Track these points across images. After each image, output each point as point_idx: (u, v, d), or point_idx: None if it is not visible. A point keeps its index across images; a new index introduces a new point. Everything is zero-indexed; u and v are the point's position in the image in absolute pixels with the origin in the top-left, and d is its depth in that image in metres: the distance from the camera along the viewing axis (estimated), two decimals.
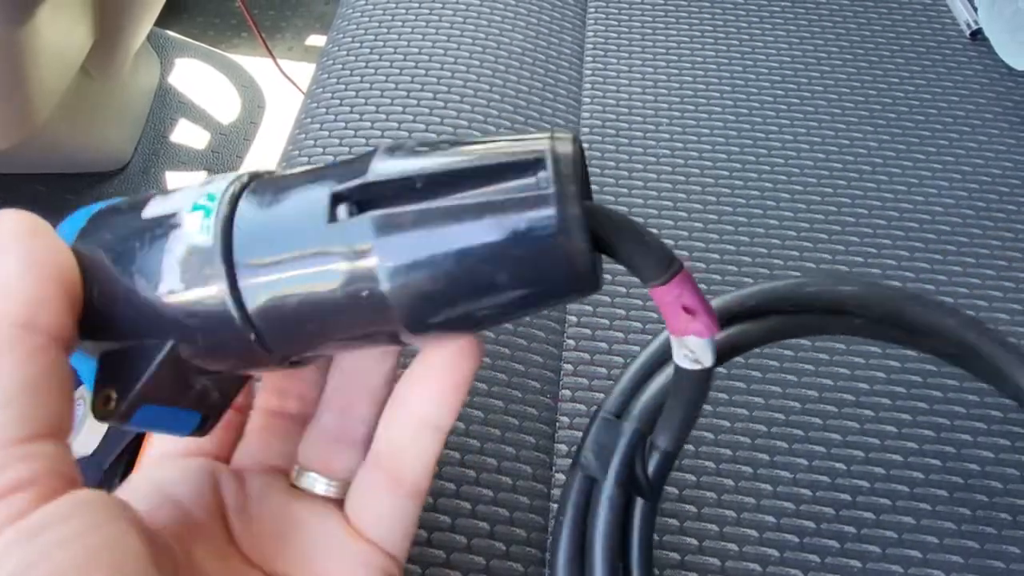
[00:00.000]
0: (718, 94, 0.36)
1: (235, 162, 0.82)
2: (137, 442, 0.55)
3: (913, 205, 0.32)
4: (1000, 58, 0.37)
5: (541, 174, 0.13)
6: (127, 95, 0.77)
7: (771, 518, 0.24)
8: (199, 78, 0.88)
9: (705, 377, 0.17)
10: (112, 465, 0.56)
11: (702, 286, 0.28)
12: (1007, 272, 0.30)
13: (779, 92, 0.36)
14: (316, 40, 1.09)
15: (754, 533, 0.24)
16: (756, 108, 0.35)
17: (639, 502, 0.21)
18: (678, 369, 0.17)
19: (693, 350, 0.16)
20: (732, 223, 0.31)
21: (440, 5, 0.39)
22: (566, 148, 0.13)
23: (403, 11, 0.39)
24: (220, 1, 1.11)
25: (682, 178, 0.32)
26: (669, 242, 0.30)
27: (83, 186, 0.73)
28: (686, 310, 0.15)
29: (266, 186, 0.14)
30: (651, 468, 0.21)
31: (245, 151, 0.83)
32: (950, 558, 0.24)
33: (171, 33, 0.89)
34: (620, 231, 0.14)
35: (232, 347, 0.14)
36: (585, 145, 0.34)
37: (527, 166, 0.13)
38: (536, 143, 0.13)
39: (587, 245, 0.13)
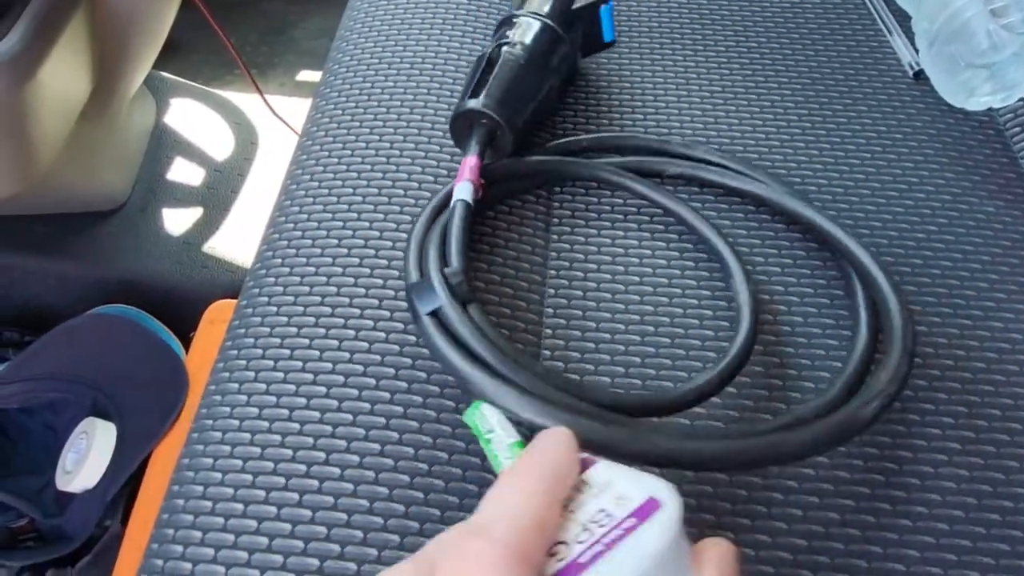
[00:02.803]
0: (690, 129, 0.38)
1: (230, 197, 0.84)
2: (138, 475, 0.57)
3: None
4: (941, 97, 0.40)
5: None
6: (124, 137, 0.80)
7: None
8: (193, 117, 0.90)
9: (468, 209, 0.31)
10: (115, 497, 0.58)
11: (667, 328, 0.31)
12: (947, 299, 0.33)
13: (736, 134, 0.38)
14: (307, 75, 1.12)
15: None
16: (714, 149, 0.38)
17: (471, 308, 0.28)
18: (456, 203, 0.31)
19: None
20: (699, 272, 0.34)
21: (426, 38, 0.42)
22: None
23: (390, 54, 0.41)
24: (213, 40, 1.14)
25: (647, 219, 0.35)
26: (636, 296, 0.33)
27: (82, 226, 0.75)
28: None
29: None
30: (453, 280, 0.28)
31: (240, 186, 0.86)
32: None
33: (165, 74, 0.92)
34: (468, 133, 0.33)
35: None
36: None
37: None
38: None
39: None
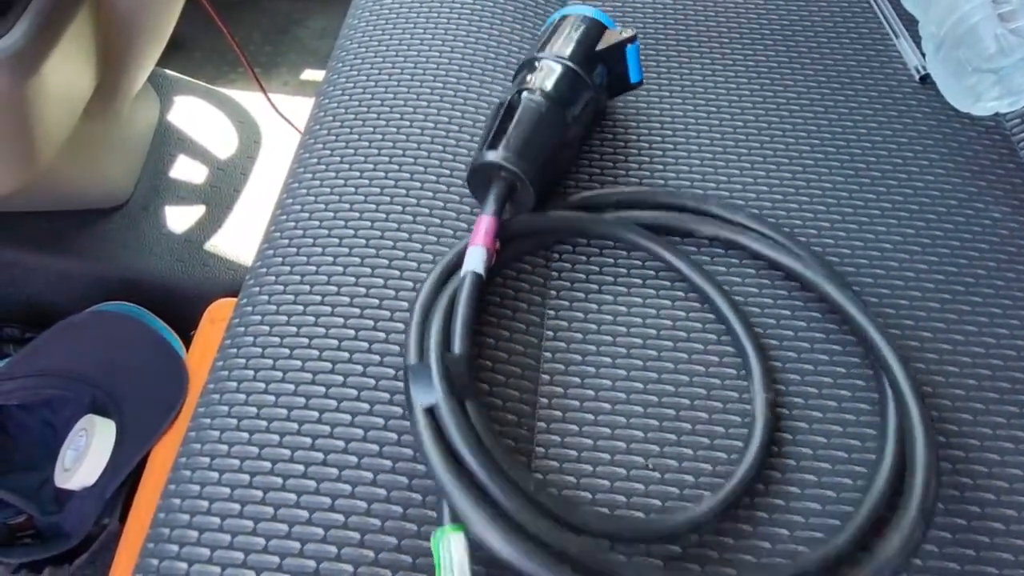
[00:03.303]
0: (695, 132, 0.38)
1: (232, 196, 0.84)
2: (137, 473, 0.57)
3: (864, 243, 0.34)
4: (947, 101, 0.40)
5: None
6: (127, 134, 0.80)
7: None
8: (197, 115, 0.90)
9: (479, 282, 0.29)
10: (114, 495, 0.58)
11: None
12: (951, 305, 0.32)
13: (740, 136, 0.38)
14: (310, 75, 1.12)
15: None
16: (719, 152, 0.38)
17: (469, 404, 0.26)
18: (466, 274, 0.28)
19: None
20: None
21: (431, 37, 0.42)
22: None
23: (394, 52, 0.41)
24: (217, 38, 1.14)
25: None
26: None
27: (85, 222, 0.75)
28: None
29: None
30: (454, 370, 0.26)
31: (243, 185, 0.86)
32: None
33: (169, 72, 0.92)
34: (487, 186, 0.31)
35: None
36: None
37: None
38: None
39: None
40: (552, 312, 0.32)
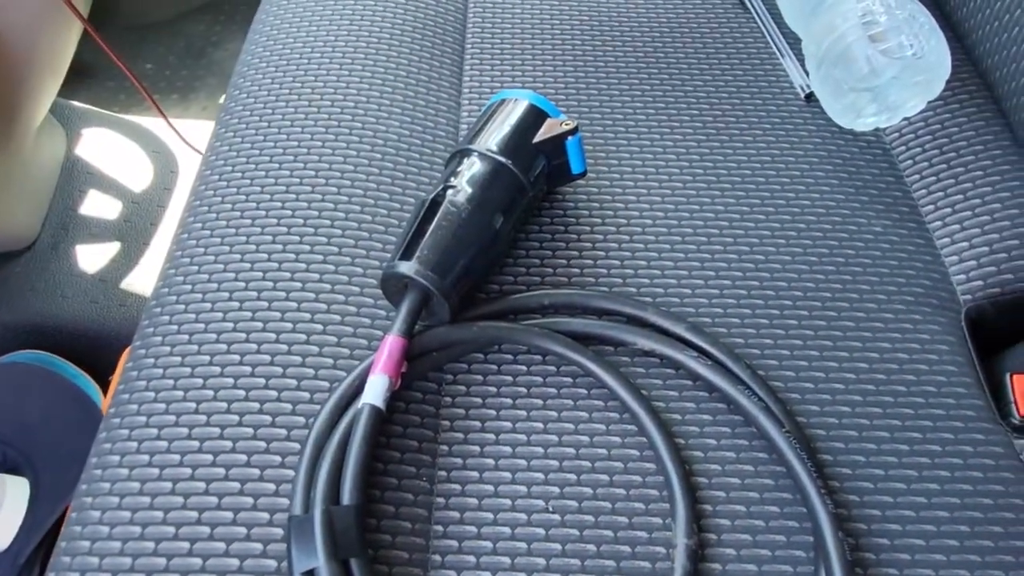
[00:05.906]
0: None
1: (149, 230, 0.81)
2: (53, 536, 0.55)
3: (755, 264, 0.35)
4: (831, 118, 0.41)
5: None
6: (30, 171, 0.76)
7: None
8: (107, 147, 0.87)
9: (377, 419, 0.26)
10: (30, 558, 0.55)
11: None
12: (836, 323, 0.33)
13: (637, 162, 0.39)
14: None
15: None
16: (616, 179, 0.38)
17: (355, 564, 0.24)
18: (363, 407, 0.26)
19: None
20: (594, 274, 0.34)
21: (328, 60, 0.42)
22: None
23: (291, 78, 0.41)
24: (130, 65, 1.10)
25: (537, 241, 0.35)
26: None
27: None
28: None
29: None
30: (340, 526, 0.24)
31: (160, 218, 0.83)
32: None
33: (76, 103, 0.89)
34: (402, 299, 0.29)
35: None
36: None
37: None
38: None
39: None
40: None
